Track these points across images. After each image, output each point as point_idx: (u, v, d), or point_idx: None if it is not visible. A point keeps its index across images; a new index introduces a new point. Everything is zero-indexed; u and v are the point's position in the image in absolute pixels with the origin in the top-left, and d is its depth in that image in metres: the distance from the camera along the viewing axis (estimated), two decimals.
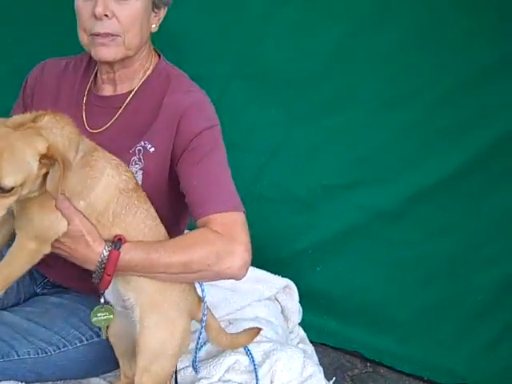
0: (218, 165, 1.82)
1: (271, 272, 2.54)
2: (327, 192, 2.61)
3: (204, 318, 1.80)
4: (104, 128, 1.87)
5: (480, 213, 2.52)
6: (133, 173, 1.72)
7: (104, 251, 1.58)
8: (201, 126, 1.80)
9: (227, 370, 2.11)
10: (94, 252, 1.57)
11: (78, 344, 1.82)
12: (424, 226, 2.60)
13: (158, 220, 1.71)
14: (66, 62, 2.03)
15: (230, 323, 2.30)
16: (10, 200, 1.39)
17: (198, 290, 1.86)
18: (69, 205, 1.52)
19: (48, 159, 1.40)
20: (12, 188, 1.36)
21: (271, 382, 2.15)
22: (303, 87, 2.47)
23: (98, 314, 1.70)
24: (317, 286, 2.72)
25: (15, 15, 2.46)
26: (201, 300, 1.83)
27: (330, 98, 2.48)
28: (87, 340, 1.85)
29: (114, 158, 1.65)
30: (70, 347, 1.80)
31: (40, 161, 1.40)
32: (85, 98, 1.93)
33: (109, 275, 1.58)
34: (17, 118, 1.47)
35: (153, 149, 1.82)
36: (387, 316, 2.74)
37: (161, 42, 1.98)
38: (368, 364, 2.81)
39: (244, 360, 2.14)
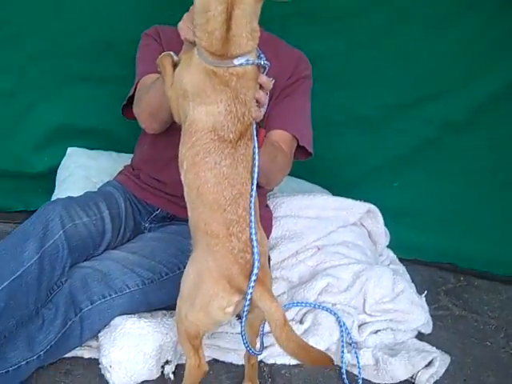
0: (308, 110, 2.21)
1: (351, 194, 2.61)
2: (394, 110, 2.68)
3: (249, 291, 1.51)
4: None
5: None
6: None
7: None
8: (307, 73, 2.21)
9: (320, 293, 2.26)
10: None
11: (177, 271, 1.96)
12: (494, 133, 2.64)
13: (227, 182, 1.57)
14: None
15: (318, 249, 2.40)
16: None
17: None
18: None
19: None
20: None
21: (364, 300, 2.25)
22: (356, 17, 2.55)
23: None
24: (397, 202, 2.77)
25: None
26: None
27: (383, 23, 2.56)
28: (185, 267, 2.00)
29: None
30: (171, 274, 1.96)
31: None
32: None
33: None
34: None
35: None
36: (472, 223, 2.80)
37: None
38: (462, 278, 2.83)
39: (336, 282, 2.27)
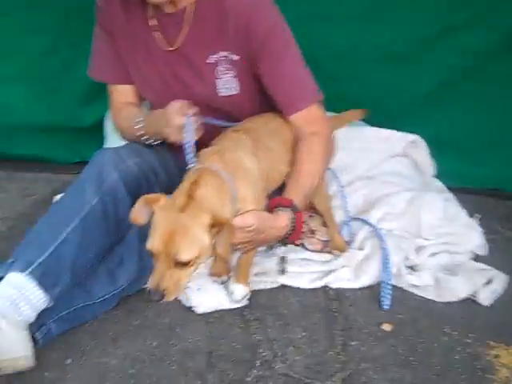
0: (295, 61, 2.02)
1: (391, 127, 2.63)
2: (427, 43, 2.64)
3: None
4: (178, 45, 2.02)
5: None
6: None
7: (290, 220, 1.89)
8: (268, 22, 1.94)
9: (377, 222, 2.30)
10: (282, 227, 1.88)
11: None
12: None
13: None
14: None
15: (368, 178, 2.46)
16: (191, 270, 1.63)
17: None
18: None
19: (215, 227, 1.62)
20: (189, 261, 1.59)
21: (419, 225, 2.29)
22: None
23: None
24: (437, 133, 2.75)
25: None
26: None
27: None
28: None
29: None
30: None
31: (209, 231, 1.62)
32: (150, 21, 2.04)
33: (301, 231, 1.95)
34: (177, 198, 1.66)
35: (237, 57, 1.99)
36: None
37: None
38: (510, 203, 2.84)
39: (390, 209, 2.32)
